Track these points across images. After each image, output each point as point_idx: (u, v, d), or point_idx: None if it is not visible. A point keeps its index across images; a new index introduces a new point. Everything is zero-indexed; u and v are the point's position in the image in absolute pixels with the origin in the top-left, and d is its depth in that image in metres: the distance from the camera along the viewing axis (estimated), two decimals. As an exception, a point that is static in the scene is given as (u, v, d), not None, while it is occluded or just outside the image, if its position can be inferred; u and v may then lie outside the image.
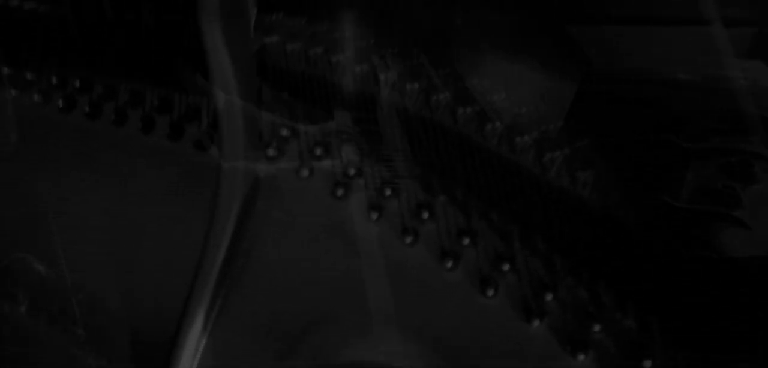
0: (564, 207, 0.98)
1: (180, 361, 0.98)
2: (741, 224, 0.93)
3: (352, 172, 1.01)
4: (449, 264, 0.98)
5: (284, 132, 1.01)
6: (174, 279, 0.99)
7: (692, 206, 0.93)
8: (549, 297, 0.96)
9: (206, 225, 0.99)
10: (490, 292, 0.97)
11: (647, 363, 0.93)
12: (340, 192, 1.00)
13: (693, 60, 0.97)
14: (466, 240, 0.98)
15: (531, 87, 1.00)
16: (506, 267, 0.97)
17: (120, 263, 1.02)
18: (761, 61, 0.96)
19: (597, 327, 0.95)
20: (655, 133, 0.95)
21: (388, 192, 1.00)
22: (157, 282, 1.01)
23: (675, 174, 0.94)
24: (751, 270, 0.91)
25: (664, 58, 0.97)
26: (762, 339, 0.90)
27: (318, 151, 1.01)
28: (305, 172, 1.01)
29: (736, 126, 0.95)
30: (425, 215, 0.99)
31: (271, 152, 1.01)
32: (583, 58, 0.97)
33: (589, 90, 0.96)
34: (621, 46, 0.98)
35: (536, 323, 0.96)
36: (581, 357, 0.94)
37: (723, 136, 0.95)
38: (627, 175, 0.96)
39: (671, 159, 0.94)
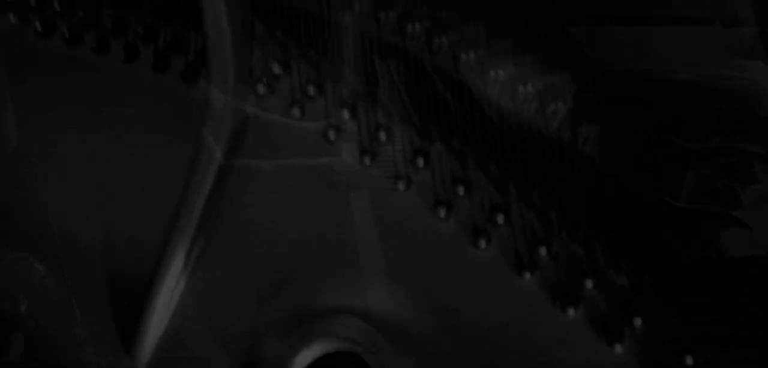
0: (563, 162, 0.97)
1: (156, 301, 0.96)
2: (741, 224, 0.93)
3: (345, 115, 0.98)
4: (442, 213, 0.96)
5: (276, 69, 0.98)
6: (155, 217, 0.97)
7: (692, 206, 0.93)
8: (542, 251, 0.94)
9: (190, 162, 0.96)
10: (483, 244, 0.95)
11: (637, 321, 0.92)
12: (331, 135, 0.97)
13: (693, 60, 0.97)
14: (461, 190, 0.96)
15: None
16: (501, 219, 0.95)
17: (98, 199, 0.99)
18: (761, 61, 0.96)
19: (589, 284, 0.94)
20: (655, 133, 0.95)
21: (382, 137, 0.97)
22: (138, 220, 0.98)
23: (675, 174, 0.94)
24: (751, 270, 0.91)
25: (664, 58, 0.97)
26: (762, 339, 0.90)
27: (311, 91, 0.98)
28: (296, 112, 0.98)
29: (736, 126, 0.95)
30: (420, 162, 0.97)
31: (261, 89, 0.98)
32: (583, 58, 0.97)
33: (589, 90, 0.96)
34: (621, 46, 0.98)
35: (527, 276, 0.94)
36: (571, 311, 0.93)
37: (723, 136, 0.95)
38: (627, 175, 0.96)
39: (671, 159, 0.94)
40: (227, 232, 0.98)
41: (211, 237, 0.98)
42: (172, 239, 0.97)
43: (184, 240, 0.97)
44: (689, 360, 0.91)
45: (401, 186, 0.97)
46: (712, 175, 0.94)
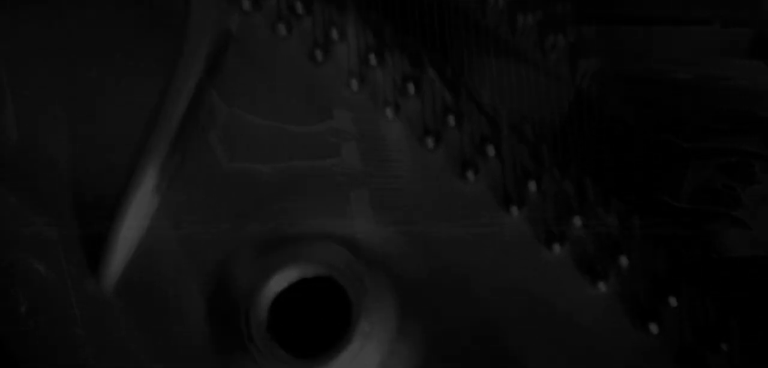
0: (559, 96, 0.96)
1: (126, 219, 0.94)
2: (741, 224, 0.93)
3: (334, 35, 0.96)
4: (430, 143, 0.95)
5: None
6: (129, 131, 0.95)
7: (692, 206, 0.93)
8: (532, 186, 0.94)
9: (168, 75, 0.94)
10: (471, 176, 0.94)
11: (624, 260, 0.92)
12: (319, 55, 0.96)
13: (693, 60, 0.97)
14: (452, 121, 0.95)
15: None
16: (491, 152, 0.94)
17: (69, 112, 0.97)
18: (761, 61, 0.96)
19: (577, 221, 0.93)
20: (655, 133, 0.95)
21: (372, 60, 0.95)
22: (110, 134, 0.96)
23: (675, 174, 0.94)
24: (751, 270, 0.91)
25: (664, 58, 0.97)
26: (762, 338, 0.90)
27: (298, 9, 0.96)
28: (282, 30, 0.96)
29: (736, 126, 0.94)
30: (411, 89, 0.96)
31: (246, 4, 0.96)
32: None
33: (589, 90, 0.96)
34: (621, 46, 0.98)
35: (514, 211, 0.93)
36: (556, 248, 0.93)
37: (723, 136, 0.94)
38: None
39: (671, 159, 0.94)
40: (204, 152, 0.96)
41: (187, 156, 0.95)
42: (144, 155, 0.94)
43: (157, 157, 0.94)
44: (673, 301, 0.90)
45: (389, 113, 0.95)
46: (712, 175, 0.94)
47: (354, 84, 0.96)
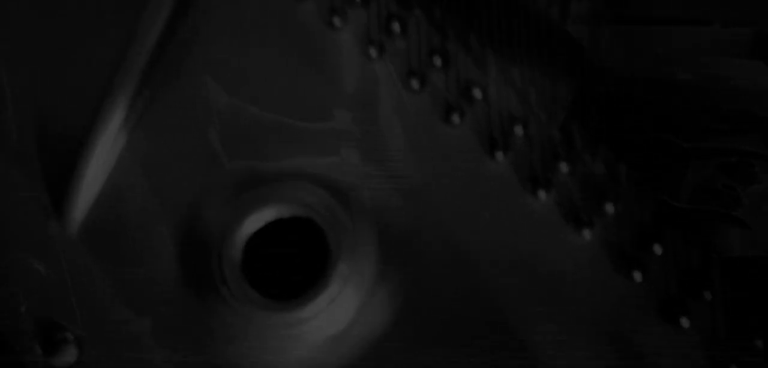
0: (549, 40, 0.94)
1: (92, 158, 0.92)
2: (741, 224, 0.93)
3: None
4: (415, 84, 0.94)
5: None
6: (97, 73, 0.93)
7: (692, 206, 0.93)
8: (518, 130, 0.92)
9: (139, 7, 0.92)
10: (455, 119, 0.93)
11: (609, 207, 0.91)
12: None
13: (693, 60, 0.96)
14: (438, 62, 0.94)
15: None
16: (478, 94, 0.93)
17: (36, 56, 0.95)
18: (761, 61, 0.96)
19: (564, 167, 0.92)
20: (655, 132, 0.95)
21: None
22: (78, 77, 0.94)
23: (675, 174, 0.94)
24: (751, 270, 0.91)
25: (664, 58, 0.97)
26: (762, 339, 0.90)
27: None
28: None
29: (736, 126, 0.94)
30: (396, 28, 0.94)
31: None
32: (583, 58, 0.97)
33: (589, 90, 0.96)
34: (621, 46, 0.98)
35: (499, 156, 0.92)
36: (541, 194, 0.92)
37: (723, 136, 0.94)
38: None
39: (671, 159, 0.94)
40: (175, 89, 0.94)
41: (157, 93, 0.93)
42: (112, 89, 0.92)
43: (125, 92, 0.92)
44: (657, 249, 0.90)
45: (373, 52, 0.94)
46: (712, 174, 0.94)
47: (337, 21, 0.94)
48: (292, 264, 0.92)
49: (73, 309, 0.95)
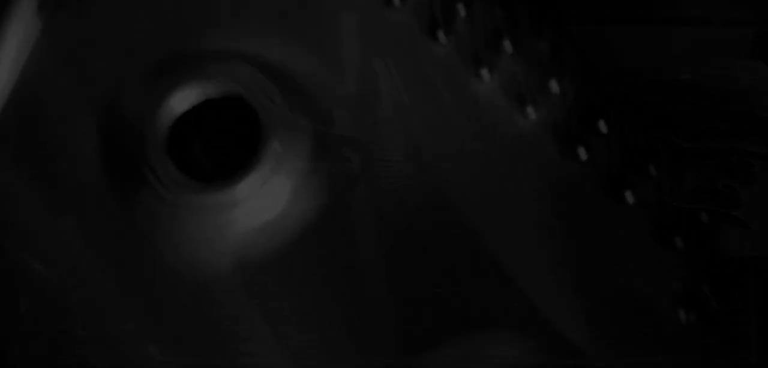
0: None
1: (3, 49, 0.86)
2: (741, 224, 0.93)
3: None
4: None
5: None
6: None
7: (692, 206, 0.93)
8: (461, 10, 0.91)
9: None
10: (397, 2, 0.90)
11: (554, 85, 0.90)
12: None
13: (693, 60, 0.97)
14: None
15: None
16: None
17: None
18: (761, 61, 0.96)
19: (507, 47, 0.90)
20: (655, 133, 0.95)
21: None
22: None
23: (675, 174, 0.94)
24: (751, 270, 0.91)
25: (664, 58, 0.97)
26: (762, 339, 0.90)
27: None
28: None
29: (736, 126, 0.94)
30: None
31: None
32: (583, 58, 0.97)
33: (589, 90, 0.96)
34: (621, 46, 0.98)
35: (442, 37, 0.90)
36: (484, 73, 0.89)
37: (723, 136, 0.94)
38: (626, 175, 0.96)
39: (671, 159, 0.94)
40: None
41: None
42: None
43: None
44: (602, 127, 0.89)
45: None
46: (712, 175, 0.94)
47: None
48: (228, 153, 0.87)
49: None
